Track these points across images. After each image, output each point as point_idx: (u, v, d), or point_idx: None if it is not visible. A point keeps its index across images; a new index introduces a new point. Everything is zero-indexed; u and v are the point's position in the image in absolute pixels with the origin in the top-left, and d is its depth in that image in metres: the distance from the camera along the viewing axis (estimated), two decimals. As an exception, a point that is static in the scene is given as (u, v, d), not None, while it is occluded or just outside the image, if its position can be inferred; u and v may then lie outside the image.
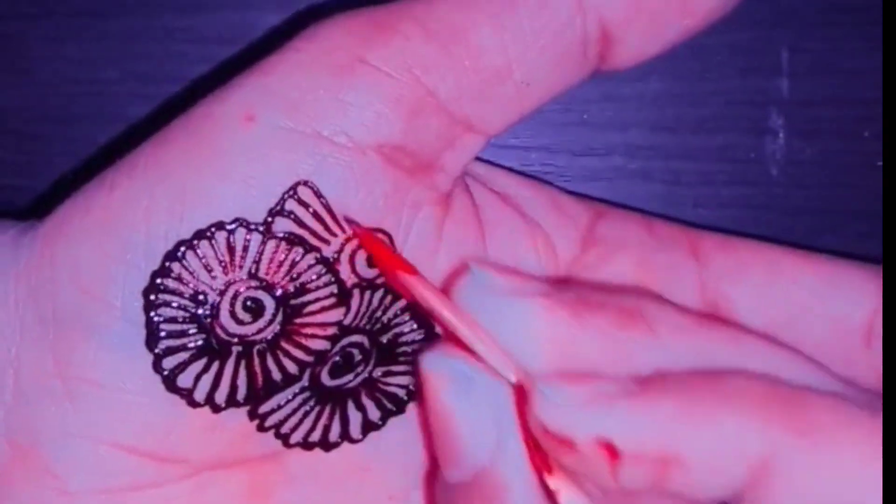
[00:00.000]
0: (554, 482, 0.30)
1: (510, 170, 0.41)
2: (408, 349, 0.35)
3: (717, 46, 0.44)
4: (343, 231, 0.32)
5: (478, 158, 0.35)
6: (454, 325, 0.31)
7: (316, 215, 0.32)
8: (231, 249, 0.32)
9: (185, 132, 0.32)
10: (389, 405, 0.36)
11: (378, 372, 0.35)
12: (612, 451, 0.29)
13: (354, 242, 0.33)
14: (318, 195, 0.32)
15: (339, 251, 0.32)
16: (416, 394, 0.35)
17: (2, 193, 0.44)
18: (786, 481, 0.28)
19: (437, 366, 0.31)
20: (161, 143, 0.33)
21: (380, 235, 0.33)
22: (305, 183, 0.32)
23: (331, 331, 0.33)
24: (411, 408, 0.36)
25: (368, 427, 0.36)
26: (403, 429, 0.36)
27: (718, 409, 0.29)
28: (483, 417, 0.31)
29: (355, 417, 0.35)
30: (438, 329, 0.35)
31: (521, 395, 0.30)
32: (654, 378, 0.30)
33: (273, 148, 0.32)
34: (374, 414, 0.36)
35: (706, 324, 0.32)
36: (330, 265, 0.32)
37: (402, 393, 0.36)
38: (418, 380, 0.32)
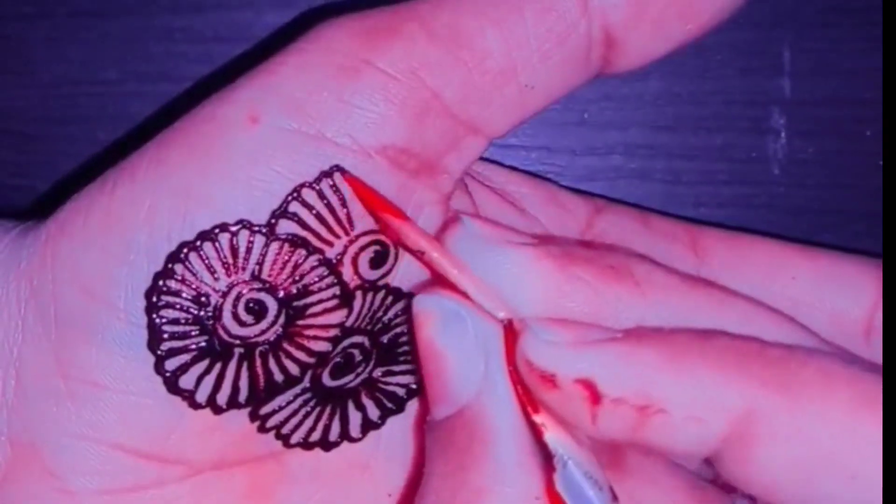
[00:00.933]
0: (539, 419, 0.30)
1: (508, 168, 0.41)
2: (408, 348, 0.35)
3: (718, 46, 0.44)
4: (346, 233, 0.32)
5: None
6: (443, 267, 0.32)
7: (319, 217, 0.32)
8: (234, 251, 0.31)
9: (189, 133, 0.32)
10: (389, 404, 0.36)
11: (378, 372, 0.35)
12: (593, 392, 0.29)
13: (358, 244, 0.33)
14: (322, 196, 0.32)
15: (343, 253, 0.32)
16: (409, 336, 0.35)
17: (2, 193, 0.44)
18: (767, 436, 0.28)
19: (428, 304, 0.32)
20: (164, 144, 0.32)
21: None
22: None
23: (333, 332, 0.33)
24: (410, 405, 0.36)
25: (368, 426, 0.36)
26: (403, 427, 0.36)
27: (701, 361, 0.29)
28: (471, 353, 0.31)
29: (355, 417, 0.35)
30: (428, 273, 0.35)
31: (510, 332, 0.31)
32: (642, 329, 0.31)
33: (277, 149, 0.31)
34: (374, 413, 0.36)
35: (692, 284, 0.33)
36: (333, 267, 0.32)
37: (401, 392, 0.36)
38: (410, 319, 0.33)
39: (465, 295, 0.32)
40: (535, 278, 0.32)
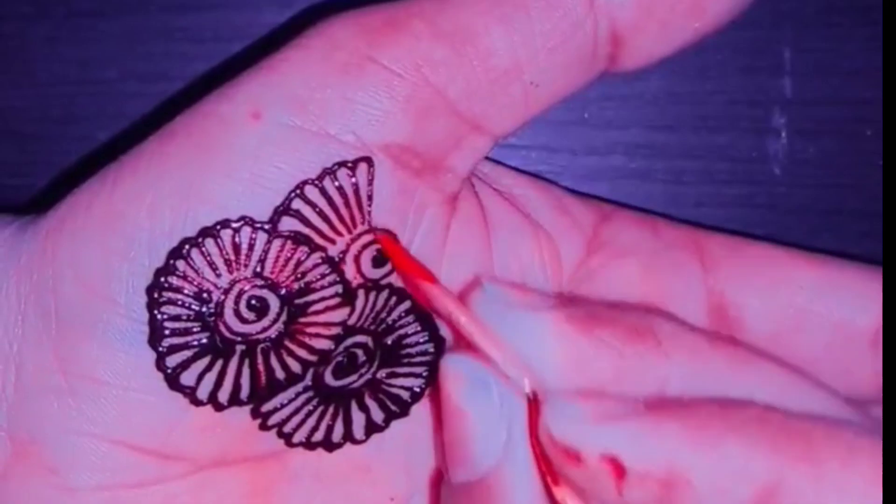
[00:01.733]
0: (560, 493, 0.30)
1: (513, 169, 0.41)
2: (412, 351, 0.35)
3: (719, 45, 0.44)
4: (349, 231, 0.32)
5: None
6: (472, 334, 0.31)
7: (322, 214, 0.32)
8: (236, 248, 0.31)
9: (191, 128, 0.32)
10: (393, 407, 0.36)
11: (382, 373, 0.35)
12: (618, 468, 0.29)
13: (360, 242, 0.32)
14: (325, 193, 0.32)
15: (345, 251, 0.32)
16: (433, 393, 0.35)
17: (2, 193, 0.44)
18: None
19: (457, 366, 0.31)
20: (166, 139, 0.32)
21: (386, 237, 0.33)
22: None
23: (335, 331, 0.33)
24: (415, 410, 0.36)
25: (372, 428, 0.35)
26: (406, 430, 0.36)
27: (727, 434, 0.29)
28: (495, 421, 0.31)
29: (358, 418, 0.35)
30: (448, 334, 0.35)
31: (534, 405, 0.31)
32: (665, 401, 0.30)
33: (279, 146, 0.31)
34: (378, 415, 0.35)
35: (717, 344, 0.32)
36: (335, 265, 0.32)
37: (405, 395, 0.36)
38: (437, 378, 0.32)
39: (492, 363, 0.31)
40: (558, 343, 0.31)
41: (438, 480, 0.36)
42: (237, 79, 0.33)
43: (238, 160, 0.31)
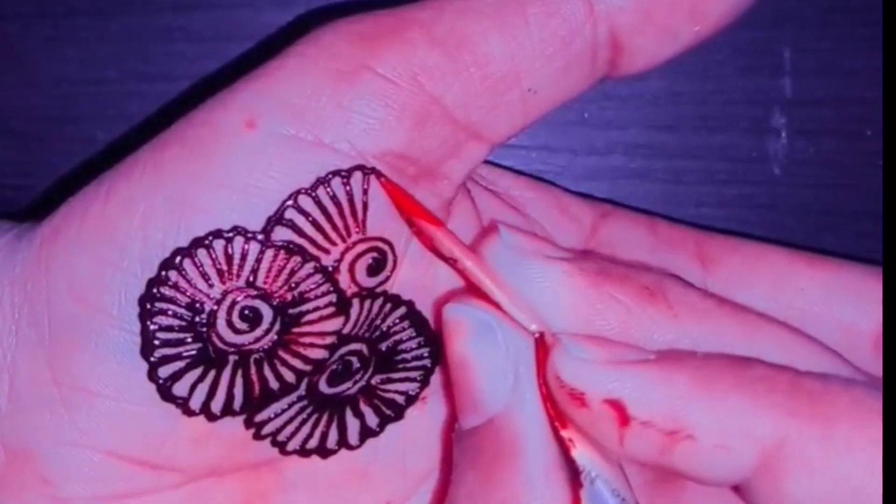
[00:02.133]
0: (568, 434, 0.30)
1: (511, 170, 0.41)
2: (407, 356, 0.35)
3: (718, 45, 0.44)
4: (344, 240, 0.32)
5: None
6: (476, 276, 0.32)
7: (315, 224, 0.32)
8: (229, 258, 0.31)
9: (185, 137, 0.32)
10: (388, 411, 0.36)
11: (377, 379, 0.35)
12: (622, 414, 0.29)
13: (355, 251, 0.32)
14: (318, 203, 0.32)
15: (339, 260, 0.32)
16: (439, 345, 0.35)
17: (2, 193, 0.44)
18: (798, 468, 0.28)
19: (459, 314, 0.32)
20: (160, 149, 0.32)
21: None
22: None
23: (329, 340, 0.33)
24: (409, 412, 0.36)
25: (366, 434, 0.35)
26: (402, 433, 0.36)
27: (734, 389, 0.29)
28: (501, 365, 0.31)
29: (353, 424, 0.35)
30: (462, 281, 0.35)
31: (541, 346, 0.31)
32: (675, 352, 0.31)
33: (274, 155, 0.31)
34: (373, 420, 0.35)
35: (727, 308, 0.32)
36: (329, 274, 0.32)
37: (400, 399, 0.36)
38: (440, 328, 0.33)
39: (496, 305, 0.32)
40: (567, 294, 0.32)
41: (450, 430, 0.36)
42: (232, 87, 0.32)
43: (232, 169, 0.31)
